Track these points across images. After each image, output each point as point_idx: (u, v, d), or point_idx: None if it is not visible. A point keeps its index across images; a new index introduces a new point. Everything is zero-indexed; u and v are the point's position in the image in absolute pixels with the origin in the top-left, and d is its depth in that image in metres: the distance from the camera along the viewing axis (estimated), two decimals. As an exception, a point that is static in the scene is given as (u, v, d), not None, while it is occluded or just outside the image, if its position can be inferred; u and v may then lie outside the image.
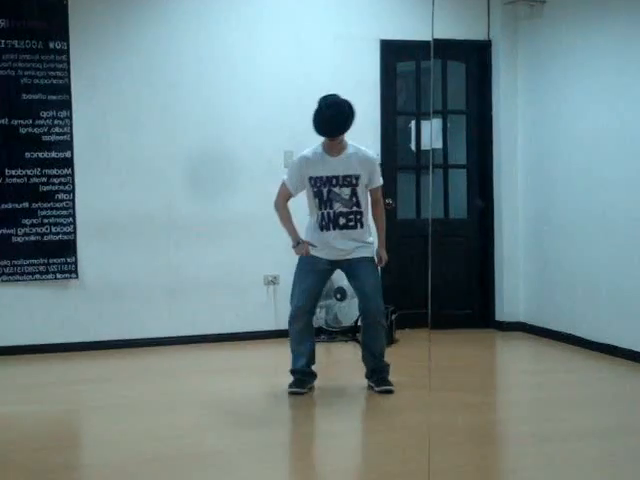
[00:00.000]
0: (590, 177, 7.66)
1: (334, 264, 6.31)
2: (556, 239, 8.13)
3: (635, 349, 7.13)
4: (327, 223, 6.18)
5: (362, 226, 6.23)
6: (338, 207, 6.16)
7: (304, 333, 6.32)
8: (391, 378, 6.36)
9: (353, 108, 6.18)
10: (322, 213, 6.19)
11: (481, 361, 7.76)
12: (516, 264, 8.61)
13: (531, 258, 8.49)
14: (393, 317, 8.00)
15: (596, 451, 5.16)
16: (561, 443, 5.28)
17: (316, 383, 6.45)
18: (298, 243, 6.26)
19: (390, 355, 7.60)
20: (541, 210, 8.34)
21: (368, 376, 6.43)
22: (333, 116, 6.10)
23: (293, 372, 6.37)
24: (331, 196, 6.16)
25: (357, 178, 6.16)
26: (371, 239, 6.34)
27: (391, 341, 7.92)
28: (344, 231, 6.18)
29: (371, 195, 6.30)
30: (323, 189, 6.16)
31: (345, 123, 6.15)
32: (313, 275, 6.26)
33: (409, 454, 5.06)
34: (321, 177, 6.16)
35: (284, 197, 6.32)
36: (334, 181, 6.15)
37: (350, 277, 6.38)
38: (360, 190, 6.18)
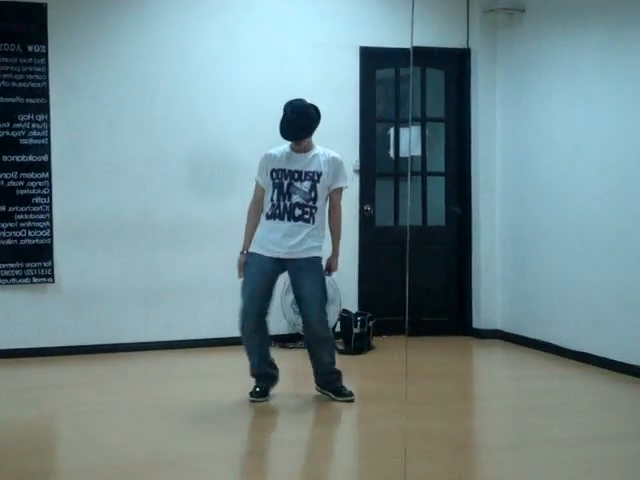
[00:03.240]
0: (568, 185, 7.69)
1: (281, 263, 6.17)
2: (533, 247, 8.15)
3: (610, 357, 7.16)
4: (282, 213, 6.11)
5: (314, 222, 6.14)
6: (296, 199, 6.11)
7: (256, 333, 6.21)
8: (368, 384, 6.36)
9: (318, 112, 6.18)
10: (278, 203, 6.12)
11: (457, 368, 7.77)
12: (493, 272, 8.62)
13: (508, 266, 8.51)
14: (370, 324, 8.00)
15: (571, 459, 5.17)
16: (536, 451, 5.29)
17: (292, 389, 6.44)
18: (241, 253, 6.25)
19: (367, 362, 7.65)
20: (519, 218, 8.36)
21: (319, 385, 6.35)
22: (297, 120, 6.09)
23: (254, 375, 6.29)
24: (291, 190, 6.12)
25: (319, 175, 6.13)
26: (322, 240, 6.23)
27: (368, 348, 7.95)
28: (298, 223, 6.09)
29: (331, 199, 6.22)
30: (284, 181, 6.13)
31: (309, 127, 6.14)
32: (261, 276, 6.17)
33: (385, 461, 5.06)
34: (283, 169, 6.15)
35: (257, 197, 6.28)
36: (296, 175, 6.13)
37: (293, 280, 6.25)
38: (320, 187, 6.13)
